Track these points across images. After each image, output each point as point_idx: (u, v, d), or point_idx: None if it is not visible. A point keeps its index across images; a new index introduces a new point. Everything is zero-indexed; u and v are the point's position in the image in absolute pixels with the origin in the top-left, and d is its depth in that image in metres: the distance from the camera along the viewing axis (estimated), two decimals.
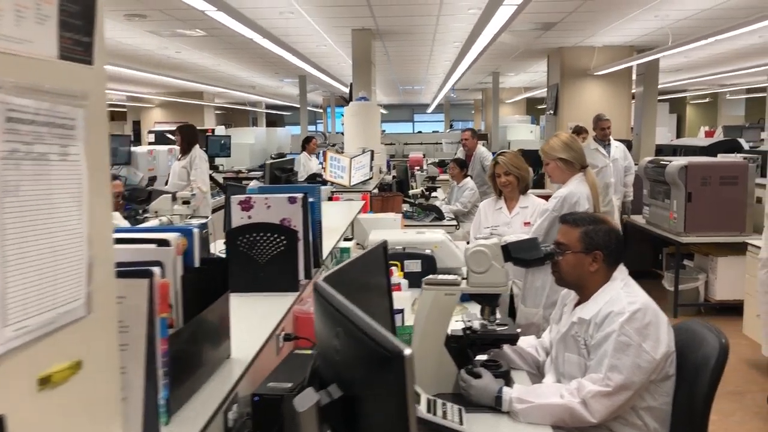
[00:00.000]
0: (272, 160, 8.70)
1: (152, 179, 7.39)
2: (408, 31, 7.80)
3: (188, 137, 6.61)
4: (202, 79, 13.18)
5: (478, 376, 2.01)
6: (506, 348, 2.30)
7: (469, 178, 6.93)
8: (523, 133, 14.81)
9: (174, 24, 7.10)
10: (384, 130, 14.25)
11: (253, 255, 2.15)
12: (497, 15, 4.47)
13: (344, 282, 1.77)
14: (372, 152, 6.17)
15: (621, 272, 2.12)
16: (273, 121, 26.28)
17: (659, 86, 16.58)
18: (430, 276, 2.21)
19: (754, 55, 10.66)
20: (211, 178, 8.91)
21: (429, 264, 3.30)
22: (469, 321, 2.21)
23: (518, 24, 7.33)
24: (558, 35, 8.23)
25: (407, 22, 7.19)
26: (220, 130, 11.72)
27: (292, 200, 2.17)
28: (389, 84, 16.47)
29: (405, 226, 5.50)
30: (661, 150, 9.79)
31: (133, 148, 7.40)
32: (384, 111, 26.73)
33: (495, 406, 1.95)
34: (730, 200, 5.91)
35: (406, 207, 6.42)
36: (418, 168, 8.79)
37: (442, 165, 10.06)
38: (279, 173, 3.15)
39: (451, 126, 24.49)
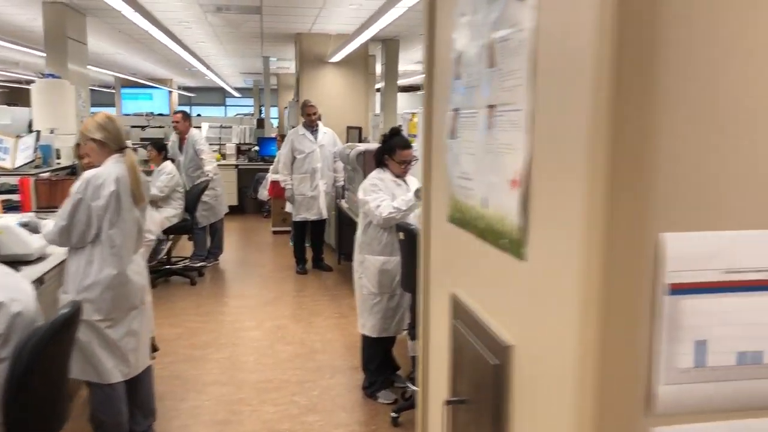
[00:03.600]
0: None
1: None
2: (109, 6, 7.39)
3: None
4: None
5: None
6: None
7: (168, 162, 6.76)
8: None
9: None
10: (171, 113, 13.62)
11: None
12: None
13: None
14: (38, 133, 5.79)
15: None
16: None
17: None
18: None
19: None
20: None
21: None
22: None
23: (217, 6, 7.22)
24: (273, 20, 8.27)
25: None
26: None
27: None
28: (174, 65, 15.82)
29: None
30: None
31: None
32: (190, 94, 25.85)
33: None
34: None
35: None
36: None
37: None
38: None
39: (260, 110, 24.14)
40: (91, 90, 22.29)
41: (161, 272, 6.81)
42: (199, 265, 7.23)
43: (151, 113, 13.07)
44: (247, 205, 11.58)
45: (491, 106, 1.15)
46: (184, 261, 7.30)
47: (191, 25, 8.64)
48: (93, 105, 21.40)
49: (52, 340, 1.97)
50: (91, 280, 3.09)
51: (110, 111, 20.01)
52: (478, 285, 1.26)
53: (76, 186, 3.12)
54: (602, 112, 0.75)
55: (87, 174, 3.14)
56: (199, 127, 12.63)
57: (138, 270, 3.33)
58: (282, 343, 5.10)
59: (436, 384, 1.59)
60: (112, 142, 3.21)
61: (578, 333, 0.80)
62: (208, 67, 12.97)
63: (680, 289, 0.77)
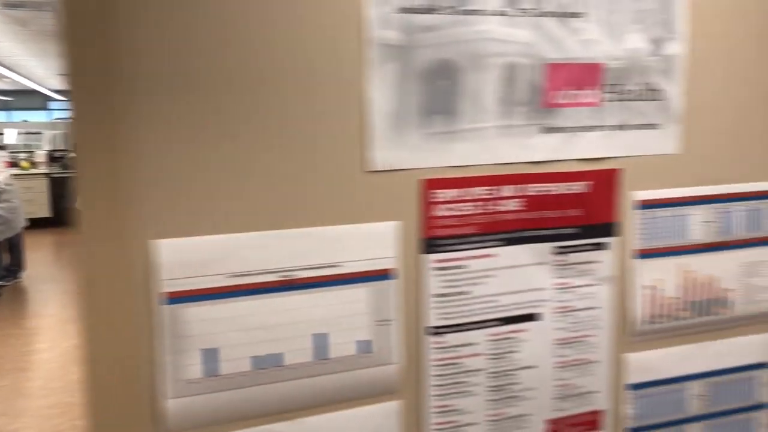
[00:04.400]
0: None
1: None
2: None
3: None
4: None
5: None
6: None
7: None
8: None
9: None
10: None
11: None
12: None
13: None
14: None
15: None
16: None
17: None
18: None
19: None
20: None
21: None
22: None
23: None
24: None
25: None
26: None
27: None
28: None
29: None
30: None
31: None
32: (6, 98, 23.67)
33: None
34: None
35: None
36: None
37: None
38: None
39: None
40: None
41: None
42: None
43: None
44: (64, 217, 10.75)
45: None
46: None
47: None
48: None
49: None
50: None
51: None
52: None
53: None
54: (75, 128, 0.71)
55: None
56: (1, 134, 11.59)
57: None
58: (77, 364, 4.75)
59: None
60: None
61: (83, 351, 0.75)
62: (9, 69, 11.87)
63: (180, 297, 0.74)
